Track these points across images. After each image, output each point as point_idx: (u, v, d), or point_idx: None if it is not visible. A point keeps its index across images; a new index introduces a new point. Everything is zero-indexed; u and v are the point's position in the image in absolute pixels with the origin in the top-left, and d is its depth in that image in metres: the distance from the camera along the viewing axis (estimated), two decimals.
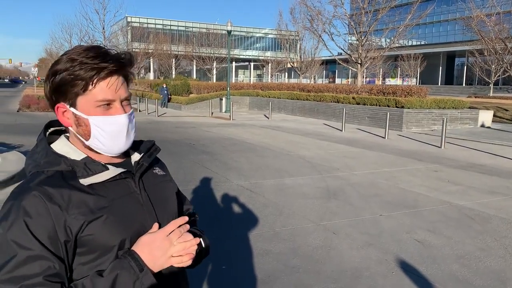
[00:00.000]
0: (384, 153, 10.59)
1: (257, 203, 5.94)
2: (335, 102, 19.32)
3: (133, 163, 1.19)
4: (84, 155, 1.10)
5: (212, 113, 22.02)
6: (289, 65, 50.37)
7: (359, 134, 14.57)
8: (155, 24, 66.88)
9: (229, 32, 23.51)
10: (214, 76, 53.37)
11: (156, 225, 1.11)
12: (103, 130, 1.08)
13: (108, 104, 1.08)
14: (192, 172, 7.84)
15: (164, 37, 54.61)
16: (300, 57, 41.65)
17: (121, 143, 1.11)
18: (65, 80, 1.05)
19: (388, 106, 16.25)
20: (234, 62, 72.09)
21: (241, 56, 75.25)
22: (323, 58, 52.66)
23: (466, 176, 8.08)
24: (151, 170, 1.23)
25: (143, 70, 56.18)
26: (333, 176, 7.78)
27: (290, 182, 7.30)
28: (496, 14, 23.69)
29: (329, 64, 75.31)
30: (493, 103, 26.87)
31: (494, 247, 4.51)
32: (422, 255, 4.27)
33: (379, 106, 16.75)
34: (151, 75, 59.25)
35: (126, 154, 1.21)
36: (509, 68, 23.63)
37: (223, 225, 5.08)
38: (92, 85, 1.05)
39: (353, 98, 18.40)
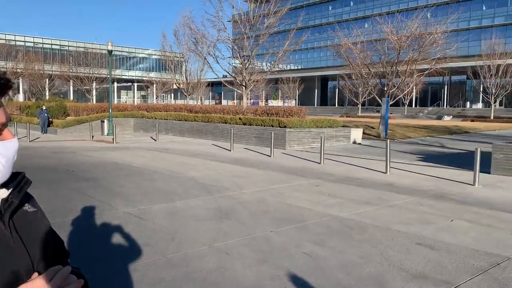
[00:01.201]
0: (270, 171, 11.01)
1: (146, 230, 5.67)
2: (223, 122, 19.64)
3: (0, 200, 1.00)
4: None
5: (93, 136, 20.71)
6: (175, 86, 50.00)
7: (247, 153, 14.97)
8: (25, 41, 61.31)
9: (110, 51, 22.55)
10: (94, 97, 50.56)
11: (35, 274, 0.96)
12: (4, 157, 0.95)
13: (1, 129, 0.96)
14: (72, 201, 7.21)
15: (35, 56, 50.25)
16: (186, 78, 41.67)
17: (10, 171, 0.99)
18: None
19: (272, 126, 17.03)
20: (116, 83, 69.16)
21: (124, 77, 72.68)
22: (209, 80, 53.36)
23: (344, 189, 8.77)
24: (21, 207, 1.06)
25: (10, 92, 50.80)
26: (224, 196, 7.82)
27: (181, 205, 7.14)
28: (360, 42, 26.62)
29: (215, 86, 76.68)
30: (362, 122, 29.93)
31: (372, 254, 4.92)
32: (311, 267, 4.48)
33: (264, 126, 17.47)
34: (20, 97, 53.82)
35: None
36: (373, 90, 26.61)
37: (110, 258, 4.73)
38: None
39: (239, 118, 18.91)
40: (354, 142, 18.89)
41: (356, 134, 19.29)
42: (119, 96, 75.65)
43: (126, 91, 78.57)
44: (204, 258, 4.69)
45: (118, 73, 68.77)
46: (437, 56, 24.30)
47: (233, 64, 32.16)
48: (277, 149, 15.18)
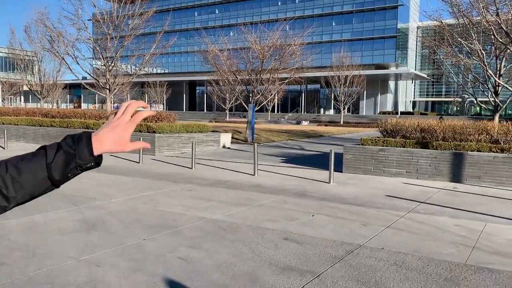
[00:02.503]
0: (140, 177, 10.70)
1: (1, 248, 5.05)
2: (85, 128, 18.35)
3: None
4: None
5: None
6: (26, 88, 44.98)
7: (114, 160, 14.24)
8: None
9: None
10: None
11: None
12: None
13: None
14: None
15: None
16: (40, 79, 37.83)
17: None
18: None
19: (141, 132, 16.52)
20: None
21: None
22: (67, 81, 49.33)
23: (215, 192, 8.99)
24: None
25: None
26: (90, 207, 7.36)
27: (41, 218, 6.51)
28: (227, 50, 27.48)
29: (74, 88, 71.26)
30: (230, 127, 30.87)
31: (245, 252, 5.18)
32: (186, 271, 4.52)
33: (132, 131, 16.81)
34: None
35: None
36: (240, 96, 27.66)
37: None
38: None
39: (103, 123, 17.88)
40: (224, 147, 19.42)
41: (225, 138, 19.85)
42: None
43: None
44: (72, 273, 4.38)
45: None
46: (295, 66, 26.39)
47: (95, 66, 30.30)
48: (146, 155, 14.79)
